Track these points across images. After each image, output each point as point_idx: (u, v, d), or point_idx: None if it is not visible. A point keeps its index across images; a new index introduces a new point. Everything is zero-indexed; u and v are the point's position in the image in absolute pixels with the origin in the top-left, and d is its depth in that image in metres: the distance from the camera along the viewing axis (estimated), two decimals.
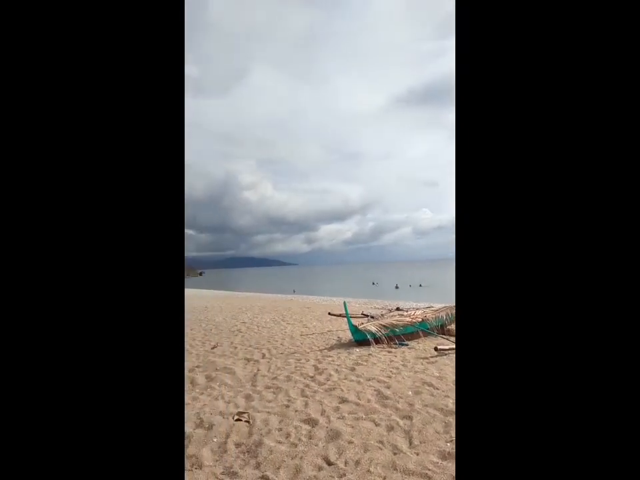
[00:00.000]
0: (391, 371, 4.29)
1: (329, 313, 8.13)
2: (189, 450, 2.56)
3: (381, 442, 2.57)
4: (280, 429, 2.85)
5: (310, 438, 2.68)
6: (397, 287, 25.70)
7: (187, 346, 6.25)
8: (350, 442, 2.57)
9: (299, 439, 2.67)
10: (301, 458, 2.39)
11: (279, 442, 2.64)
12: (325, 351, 5.56)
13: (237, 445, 2.62)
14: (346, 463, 2.31)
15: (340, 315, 7.69)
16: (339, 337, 6.56)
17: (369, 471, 2.22)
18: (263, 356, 5.35)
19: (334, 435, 2.69)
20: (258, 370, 4.57)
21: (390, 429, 2.77)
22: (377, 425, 2.86)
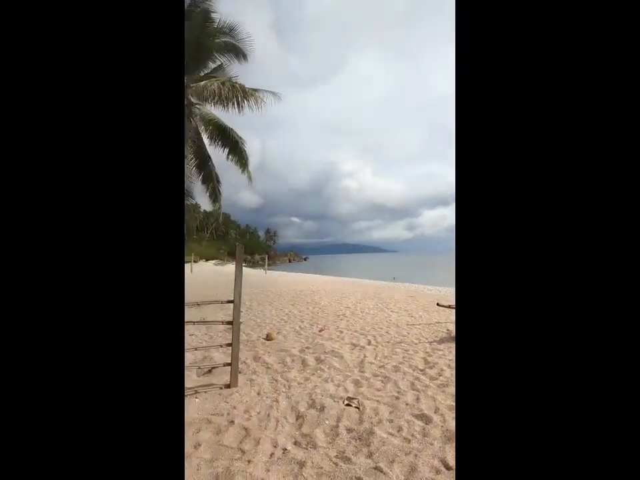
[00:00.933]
0: None
1: (438, 304, 7.65)
2: (303, 429, 2.66)
3: None
4: (391, 420, 2.76)
5: (424, 436, 2.53)
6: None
7: (296, 327, 6.62)
8: None
9: (412, 435, 2.54)
10: (416, 456, 2.27)
11: (391, 434, 2.56)
12: (435, 343, 5.25)
13: (349, 430, 2.62)
14: None
15: (449, 307, 7.18)
16: (448, 330, 6.14)
17: None
18: (369, 342, 5.32)
19: (451, 437, 2.48)
20: (365, 356, 4.56)
21: None
22: None
